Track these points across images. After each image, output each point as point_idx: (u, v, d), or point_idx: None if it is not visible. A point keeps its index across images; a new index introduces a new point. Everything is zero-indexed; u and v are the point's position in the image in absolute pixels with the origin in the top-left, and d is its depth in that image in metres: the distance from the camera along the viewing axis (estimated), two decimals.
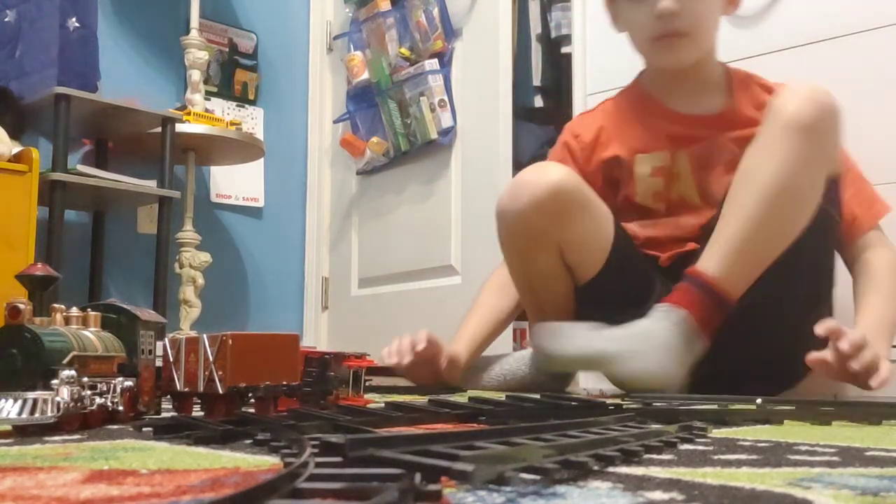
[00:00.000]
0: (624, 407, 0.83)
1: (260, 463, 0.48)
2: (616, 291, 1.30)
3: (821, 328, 1.08)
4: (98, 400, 0.69)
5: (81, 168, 2.13)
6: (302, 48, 3.04)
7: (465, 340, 1.47)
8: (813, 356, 1.10)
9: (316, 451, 0.43)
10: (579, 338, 1.16)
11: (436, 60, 2.49)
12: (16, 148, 1.94)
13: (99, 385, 0.70)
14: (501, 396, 0.91)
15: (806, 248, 1.20)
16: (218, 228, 2.77)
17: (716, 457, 0.51)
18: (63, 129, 2.00)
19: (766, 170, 1.15)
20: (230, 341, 0.74)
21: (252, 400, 0.77)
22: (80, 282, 2.33)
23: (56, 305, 0.73)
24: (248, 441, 0.59)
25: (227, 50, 2.83)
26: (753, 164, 1.17)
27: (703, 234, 1.26)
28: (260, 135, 2.84)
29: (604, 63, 1.96)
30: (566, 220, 1.28)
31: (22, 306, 0.66)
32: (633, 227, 1.40)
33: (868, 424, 0.82)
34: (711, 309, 1.14)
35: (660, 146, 1.40)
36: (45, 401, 0.63)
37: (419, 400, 0.93)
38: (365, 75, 2.72)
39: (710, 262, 1.15)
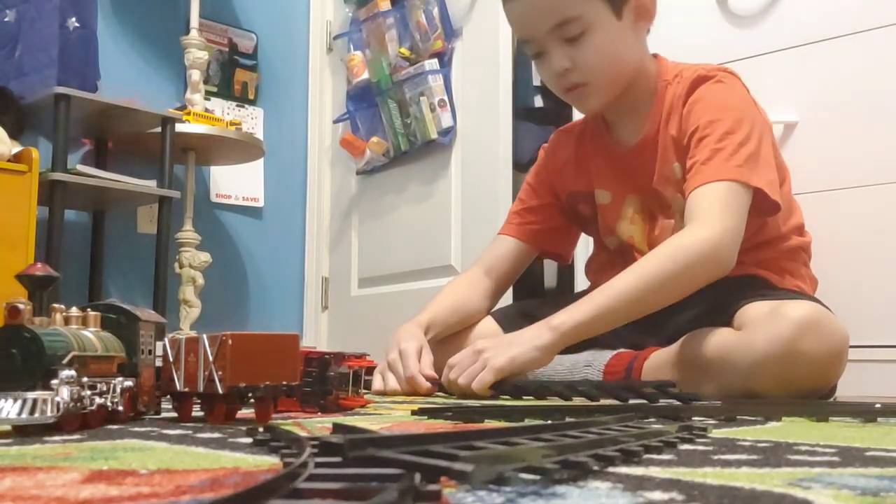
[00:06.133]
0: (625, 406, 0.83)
1: (260, 463, 0.48)
2: None
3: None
4: (98, 400, 0.69)
5: (81, 168, 2.13)
6: (302, 48, 3.04)
7: (429, 312, 1.47)
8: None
9: (315, 451, 0.43)
10: None
11: (436, 60, 2.50)
12: (16, 148, 1.94)
13: (99, 385, 0.70)
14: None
15: None
16: (218, 228, 2.77)
17: (716, 457, 0.51)
18: (63, 129, 2.00)
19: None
20: (230, 341, 0.74)
21: (252, 400, 0.77)
22: (80, 282, 2.33)
23: (56, 305, 0.73)
24: (249, 441, 0.59)
25: (227, 50, 2.83)
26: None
27: None
28: (260, 135, 2.84)
29: None
30: None
31: (22, 306, 0.66)
32: (593, 277, 1.55)
33: (865, 422, 0.82)
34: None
35: (605, 184, 1.46)
36: (44, 401, 0.63)
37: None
38: (365, 75, 2.72)
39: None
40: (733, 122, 1.26)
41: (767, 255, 1.36)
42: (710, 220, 1.20)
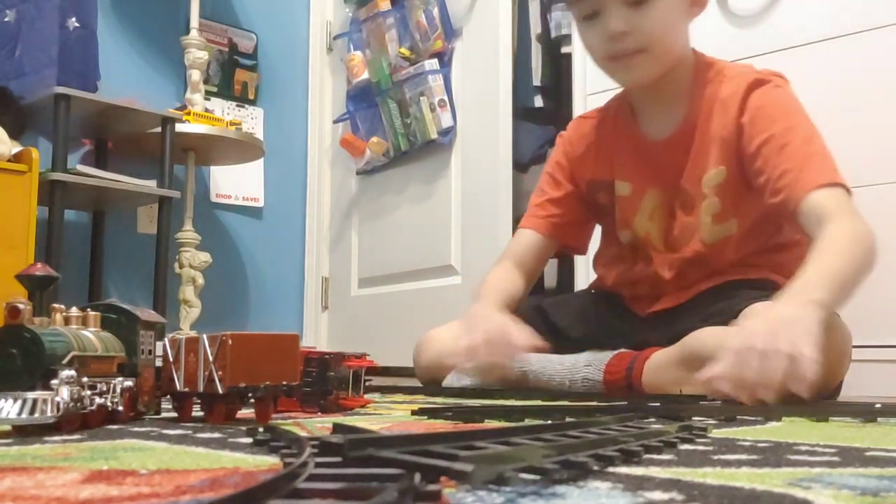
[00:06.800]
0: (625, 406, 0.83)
1: (260, 463, 0.48)
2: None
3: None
4: (98, 400, 0.69)
5: (81, 168, 2.13)
6: (302, 48, 3.04)
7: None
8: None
9: (315, 451, 0.43)
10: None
11: (436, 60, 2.50)
12: (16, 148, 1.94)
13: (99, 385, 0.70)
14: None
15: None
16: (218, 228, 2.77)
17: (716, 457, 0.51)
18: (63, 129, 2.00)
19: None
20: (230, 341, 0.74)
21: (252, 400, 0.77)
22: (80, 282, 2.33)
23: (56, 305, 0.73)
24: (249, 441, 0.59)
25: (226, 50, 2.83)
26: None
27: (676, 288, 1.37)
28: (260, 135, 2.84)
29: None
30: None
31: (22, 306, 0.66)
32: (602, 271, 1.52)
33: (865, 422, 0.82)
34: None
35: (627, 175, 1.42)
36: (44, 401, 0.63)
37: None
38: (365, 75, 2.72)
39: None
40: (808, 126, 1.26)
41: (782, 259, 1.34)
42: (856, 218, 1.17)
